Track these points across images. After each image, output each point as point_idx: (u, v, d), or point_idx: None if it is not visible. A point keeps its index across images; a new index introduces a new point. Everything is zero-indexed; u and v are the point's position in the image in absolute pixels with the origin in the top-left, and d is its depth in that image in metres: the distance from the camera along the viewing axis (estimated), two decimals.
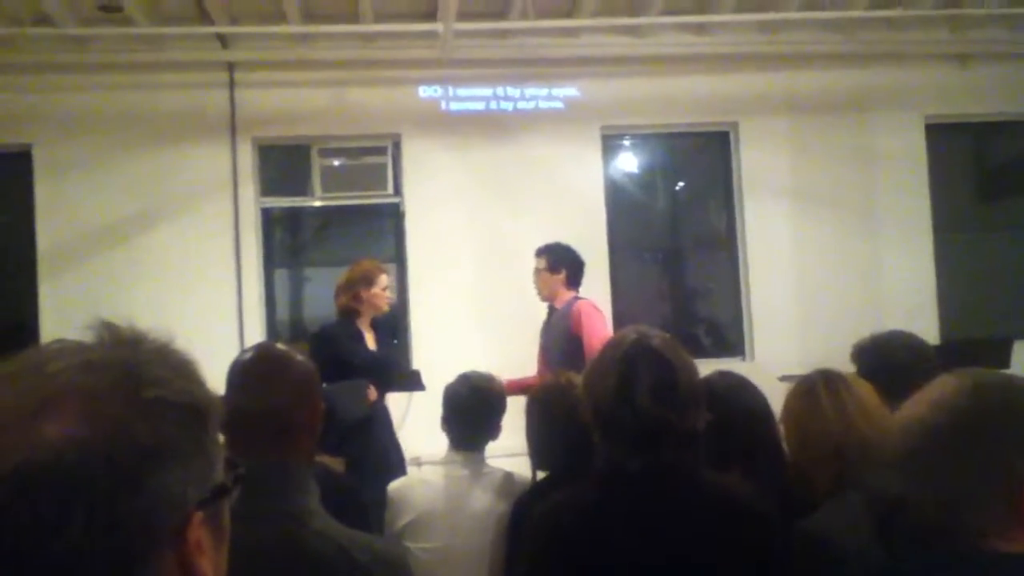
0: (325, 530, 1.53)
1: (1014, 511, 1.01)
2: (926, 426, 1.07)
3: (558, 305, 4.83)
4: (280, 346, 1.81)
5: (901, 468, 1.08)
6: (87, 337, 0.75)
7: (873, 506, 1.09)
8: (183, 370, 0.76)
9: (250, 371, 1.66)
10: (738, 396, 2.38)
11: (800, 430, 2.09)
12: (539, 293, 4.93)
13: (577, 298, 4.81)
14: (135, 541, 0.67)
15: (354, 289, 4.45)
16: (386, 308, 4.59)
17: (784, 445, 2.50)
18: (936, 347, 3.32)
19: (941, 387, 1.12)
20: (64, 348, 0.73)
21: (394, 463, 4.27)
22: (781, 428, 2.19)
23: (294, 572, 1.47)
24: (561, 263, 4.86)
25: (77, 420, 0.66)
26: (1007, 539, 1.01)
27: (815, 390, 2.07)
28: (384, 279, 4.53)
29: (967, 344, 5.69)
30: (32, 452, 0.64)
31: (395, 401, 4.76)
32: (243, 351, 1.74)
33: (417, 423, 4.99)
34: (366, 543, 1.55)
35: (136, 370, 0.72)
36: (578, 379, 2.35)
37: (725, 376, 2.50)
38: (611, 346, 1.74)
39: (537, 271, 4.90)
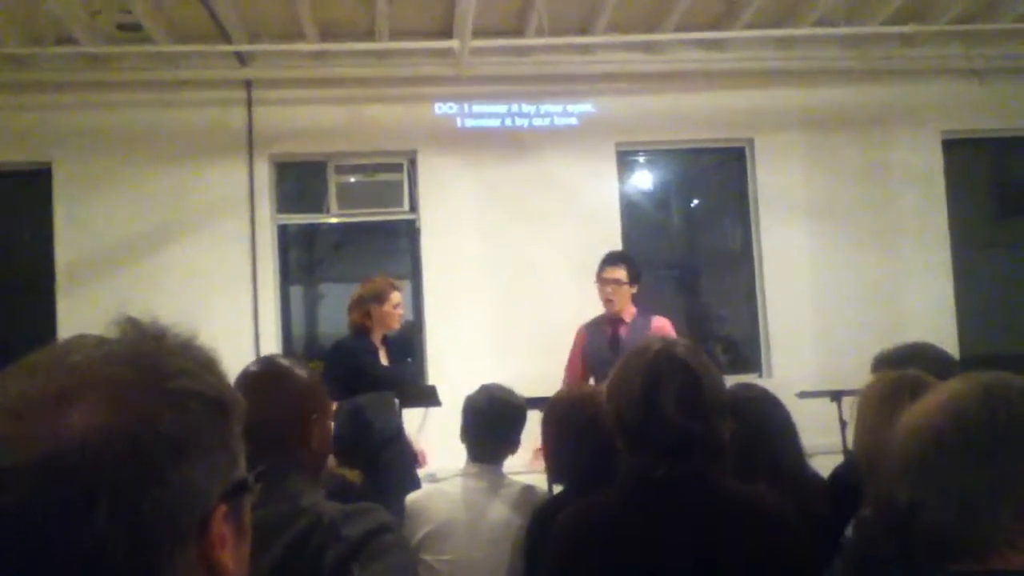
0: (316, 507, 1.56)
1: None
2: (935, 431, 1.03)
3: (627, 319, 4.64)
4: (283, 360, 1.85)
5: (909, 475, 1.03)
6: (110, 332, 0.75)
7: (882, 514, 1.05)
8: (207, 364, 0.76)
9: (249, 384, 1.71)
10: (761, 408, 2.35)
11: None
12: (613, 305, 4.62)
13: (650, 313, 4.62)
14: (158, 534, 0.66)
15: (366, 305, 4.45)
16: (397, 325, 4.59)
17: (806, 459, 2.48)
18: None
19: (951, 390, 1.07)
20: (86, 340, 0.72)
21: (415, 475, 4.28)
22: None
23: (280, 545, 1.49)
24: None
25: (102, 409, 0.65)
26: (1018, 549, 0.97)
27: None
28: (396, 296, 4.52)
29: (987, 361, 5.62)
30: (57, 441, 0.63)
31: (411, 417, 4.75)
32: (250, 363, 1.81)
33: (433, 440, 4.97)
34: (360, 513, 1.56)
35: (161, 361, 0.71)
36: (593, 389, 2.33)
37: (748, 388, 2.48)
38: (635, 354, 1.72)
39: (618, 282, 4.62)
